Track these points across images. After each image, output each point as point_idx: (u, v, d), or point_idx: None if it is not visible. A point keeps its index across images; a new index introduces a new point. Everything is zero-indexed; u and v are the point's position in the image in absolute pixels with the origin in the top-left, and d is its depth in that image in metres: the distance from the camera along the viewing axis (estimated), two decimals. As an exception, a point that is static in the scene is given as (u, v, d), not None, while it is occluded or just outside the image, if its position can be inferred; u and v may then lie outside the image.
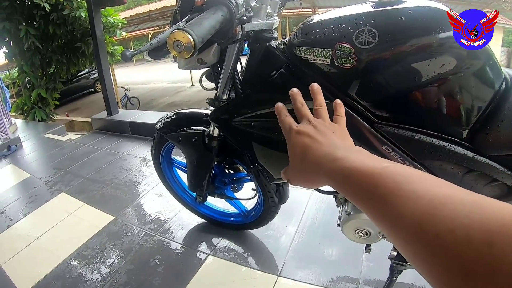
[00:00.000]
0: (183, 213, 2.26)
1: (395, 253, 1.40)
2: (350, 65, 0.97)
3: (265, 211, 1.80)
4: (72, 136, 4.54)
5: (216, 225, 2.10)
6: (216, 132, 1.53)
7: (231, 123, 1.26)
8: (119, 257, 1.98)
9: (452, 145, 1.03)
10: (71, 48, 6.31)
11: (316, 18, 1.10)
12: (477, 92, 1.01)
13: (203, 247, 1.98)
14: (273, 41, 1.18)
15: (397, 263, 1.39)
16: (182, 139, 1.65)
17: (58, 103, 6.84)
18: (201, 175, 1.69)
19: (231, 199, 1.90)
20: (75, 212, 2.49)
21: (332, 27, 1.02)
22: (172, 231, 2.13)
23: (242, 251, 1.93)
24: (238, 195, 1.88)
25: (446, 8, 0.97)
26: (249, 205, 1.98)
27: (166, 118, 1.70)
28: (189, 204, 2.10)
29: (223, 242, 1.99)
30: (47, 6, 5.43)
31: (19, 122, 5.55)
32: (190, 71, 11.96)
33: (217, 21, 0.85)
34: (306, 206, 2.23)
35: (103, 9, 5.47)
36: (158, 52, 0.89)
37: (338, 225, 1.30)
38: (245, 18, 0.98)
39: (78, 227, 2.32)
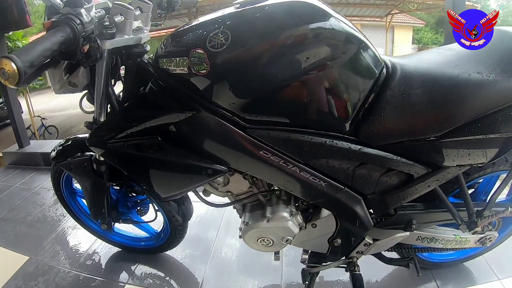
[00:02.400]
0: (97, 244, 2.20)
1: (306, 256, 1.43)
2: (205, 71, 0.96)
3: (172, 231, 1.79)
4: (-17, 174, 4.25)
5: (130, 251, 2.07)
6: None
7: (106, 146, 1.23)
8: (35, 300, 1.88)
9: (334, 141, 1.03)
10: (-21, 78, 5.90)
11: (181, 27, 1.10)
12: (354, 82, 1.01)
13: (121, 276, 1.94)
14: (145, 56, 1.17)
15: (310, 266, 1.41)
16: (73, 166, 1.59)
17: (-31, 138, 6.39)
18: (98, 202, 1.64)
19: (137, 223, 1.88)
20: (-12, 257, 2.34)
21: (190, 34, 1.02)
22: (87, 264, 2.07)
23: (160, 275, 1.92)
24: (145, 218, 1.86)
25: (309, 1, 0.98)
26: (159, 227, 1.97)
27: (59, 146, 1.64)
28: (99, 233, 2.04)
29: (139, 269, 1.96)
30: (-51, 34, 5.00)
31: None
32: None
33: (54, 42, 0.84)
34: (222, 219, 2.24)
35: (10, 34, 5.18)
36: (27, 78, 0.85)
37: (240, 236, 1.31)
38: (93, 35, 0.97)
39: (-7, 273, 2.19)
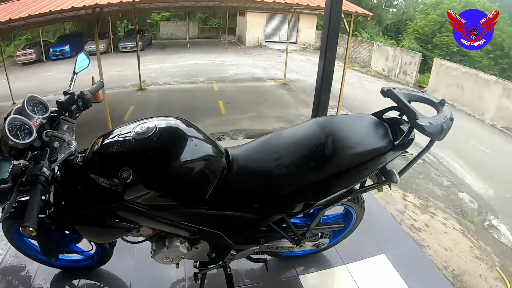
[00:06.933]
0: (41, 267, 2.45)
1: (197, 263, 2.09)
2: (120, 189, 1.52)
3: (103, 254, 2.28)
4: None
5: (70, 271, 2.47)
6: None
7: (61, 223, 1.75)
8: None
9: (194, 209, 1.69)
10: None
11: (101, 147, 1.59)
12: (202, 184, 1.66)
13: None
14: (76, 158, 1.68)
15: (200, 269, 2.07)
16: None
17: None
18: (47, 243, 1.94)
19: (76, 253, 2.27)
20: None
21: (110, 163, 1.57)
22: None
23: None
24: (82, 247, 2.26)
25: (180, 126, 1.68)
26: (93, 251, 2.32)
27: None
28: (44, 261, 2.33)
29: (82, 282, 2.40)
30: None
31: None
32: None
33: (39, 199, 1.36)
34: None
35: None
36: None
37: (152, 257, 1.91)
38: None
39: None
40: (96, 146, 1.60)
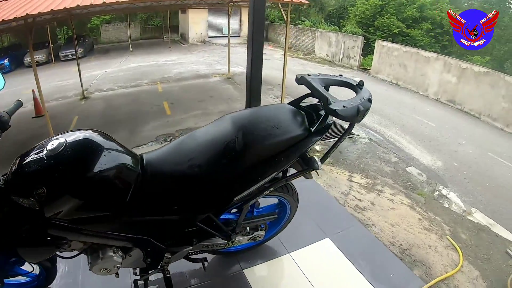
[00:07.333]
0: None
1: (136, 271, 2.08)
2: (38, 208, 1.49)
3: (47, 273, 2.22)
4: None
5: None
6: None
7: None
8: None
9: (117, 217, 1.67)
10: None
11: (19, 164, 1.55)
12: (122, 185, 1.63)
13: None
14: None
15: (141, 275, 2.05)
16: None
17: None
18: None
19: (22, 276, 2.21)
20: None
21: (26, 183, 1.51)
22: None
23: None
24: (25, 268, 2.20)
25: (91, 143, 1.61)
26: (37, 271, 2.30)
27: None
28: None
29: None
30: None
31: None
32: None
33: None
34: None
35: None
36: None
37: (90, 269, 1.87)
38: None
39: None
40: (14, 167, 1.57)
